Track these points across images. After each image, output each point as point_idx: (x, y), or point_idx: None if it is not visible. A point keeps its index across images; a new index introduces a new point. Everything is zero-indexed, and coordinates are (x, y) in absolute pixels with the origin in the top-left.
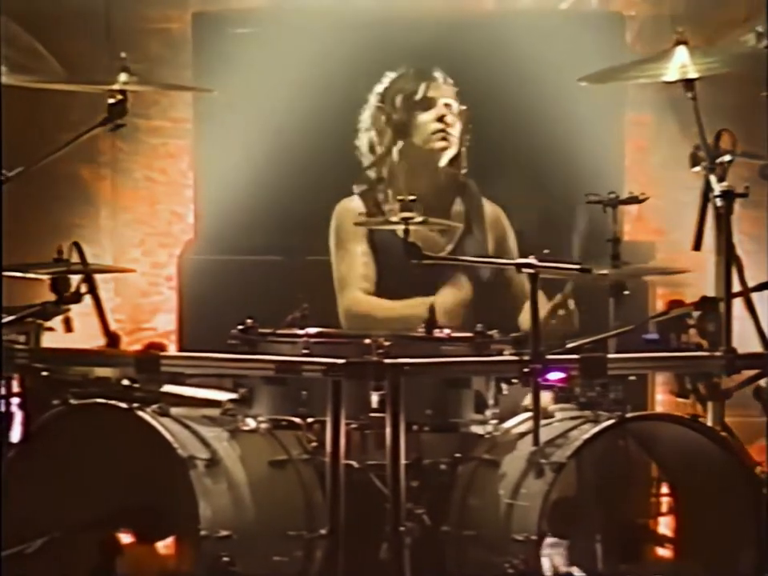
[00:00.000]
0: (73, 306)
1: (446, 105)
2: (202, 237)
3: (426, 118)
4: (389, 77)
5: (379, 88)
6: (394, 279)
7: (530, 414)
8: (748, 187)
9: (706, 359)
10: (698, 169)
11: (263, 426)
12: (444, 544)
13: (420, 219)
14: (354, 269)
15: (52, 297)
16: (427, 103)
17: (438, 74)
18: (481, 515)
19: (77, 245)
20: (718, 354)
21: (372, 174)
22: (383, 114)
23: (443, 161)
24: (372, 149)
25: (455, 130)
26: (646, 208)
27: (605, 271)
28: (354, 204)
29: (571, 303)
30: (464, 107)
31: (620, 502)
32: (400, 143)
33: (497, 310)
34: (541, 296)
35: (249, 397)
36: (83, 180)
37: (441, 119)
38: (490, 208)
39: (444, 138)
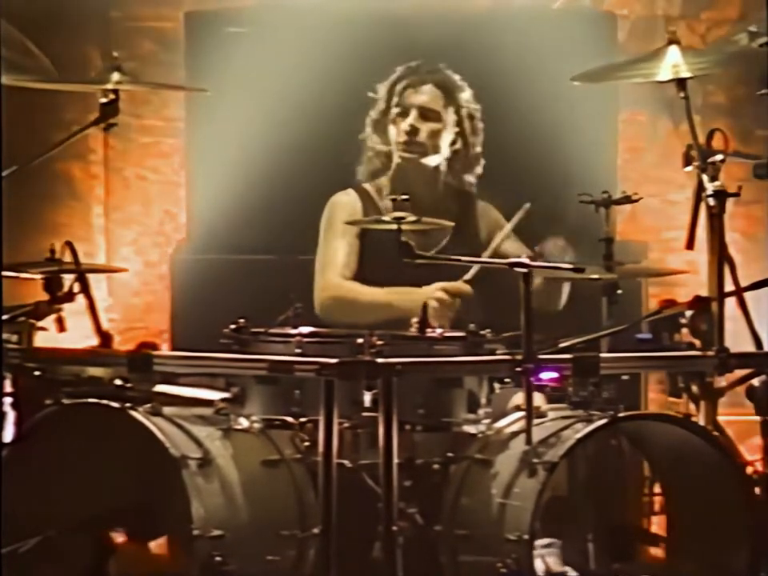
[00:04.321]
0: (65, 306)
1: (422, 109)
2: (195, 236)
3: (400, 127)
4: (397, 73)
5: (382, 87)
6: (384, 275)
7: (522, 413)
8: (741, 187)
9: (699, 359)
10: (690, 168)
11: (256, 425)
12: (436, 543)
13: (413, 218)
14: (336, 256)
15: (44, 296)
16: (403, 111)
17: (444, 78)
18: (473, 515)
19: (69, 244)
20: (710, 353)
21: (372, 168)
22: (378, 113)
23: (428, 166)
24: (366, 142)
25: (428, 137)
26: (639, 207)
27: (596, 276)
28: (348, 198)
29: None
30: (475, 107)
31: (612, 501)
32: (390, 146)
33: (489, 308)
34: None
35: (241, 396)
36: (76, 179)
37: (408, 131)
38: (480, 204)
39: (407, 150)
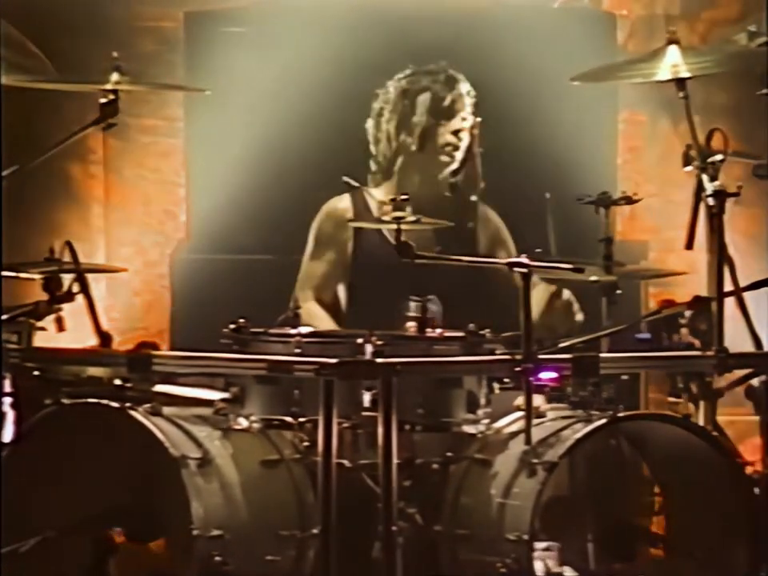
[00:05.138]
0: (65, 306)
1: (463, 119)
2: (195, 236)
3: (443, 129)
4: (410, 70)
5: (402, 82)
6: (375, 283)
7: (522, 413)
8: (740, 186)
9: (698, 359)
10: (690, 168)
11: (255, 425)
12: (436, 543)
13: (413, 219)
14: (313, 276)
15: (44, 296)
16: (450, 114)
17: (464, 85)
18: (473, 515)
19: (69, 244)
20: (709, 353)
21: (375, 165)
22: (398, 110)
23: (444, 173)
24: (381, 140)
25: (464, 145)
26: (638, 207)
27: (595, 277)
28: (342, 204)
29: (566, 293)
30: (479, 119)
31: (612, 501)
32: (411, 143)
33: (488, 309)
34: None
35: (241, 396)
36: (76, 179)
37: (456, 133)
38: (480, 208)
39: (450, 155)
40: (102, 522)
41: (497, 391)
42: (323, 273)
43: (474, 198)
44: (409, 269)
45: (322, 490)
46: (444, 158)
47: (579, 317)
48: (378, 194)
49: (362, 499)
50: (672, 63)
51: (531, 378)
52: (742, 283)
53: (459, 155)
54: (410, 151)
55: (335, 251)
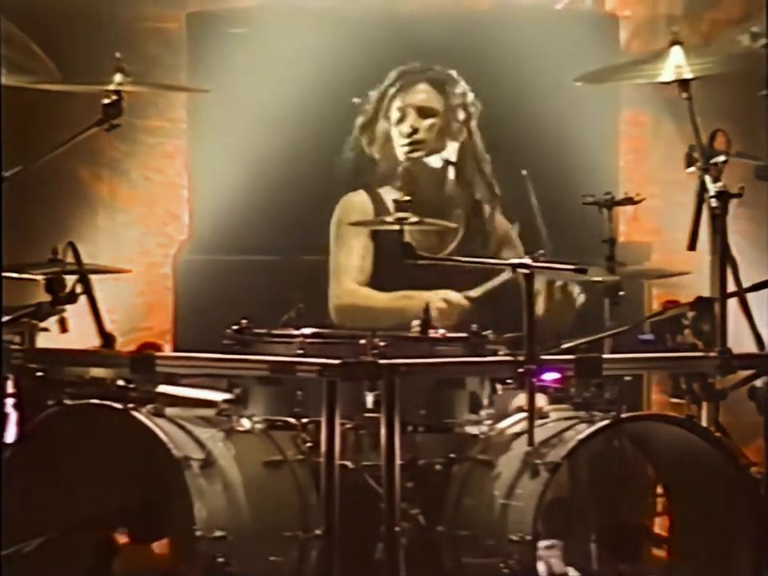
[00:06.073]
0: (68, 307)
1: (419, 108)
2: (198, 237)
3: (399, 131)
4: (389, 77)
5: (375, 91)
6: (393, 276)
7: (524, 414)
8: (743, 187)
9: (701, 359)
10: (692, 169)
11: (258, 426)
12: (439, 544)
13: (415, 219)
14: (351, 260)
15: (47, 297)
16: (401, 115)
17: (423, 75)
18: (476, 515)
19: (72, 245)
20: (712, 354)
21: (374, 166)
22: (373, 118)
23: (434, 167)
24: (376, 143)
25: (427, 132)
26: (641, 208)
27: (599, 278)
28: (358, 198)
29: (575, 290)
30: (469, 100)
31: (615, 502)
32: (388, 147)
33: (496, 310)
34: None
35: (244, 397)
36: (79, 180)
37: (409, 132)
38: (489, 212)
39: (415, 149)
40: (105, 522)
41: (499, 392)
42: (360, 256)
43: (478, 196)
44: (428, 266)
45: (324, 491)
46: (412, 155)
47: (581, 299)
48: (386, 193)
49: (365, 500)
50: (675, 64)
51: (534, 379)
52: (745, 284)
53: (429, 144)
54: (388, 155)
55: (364, 235)
